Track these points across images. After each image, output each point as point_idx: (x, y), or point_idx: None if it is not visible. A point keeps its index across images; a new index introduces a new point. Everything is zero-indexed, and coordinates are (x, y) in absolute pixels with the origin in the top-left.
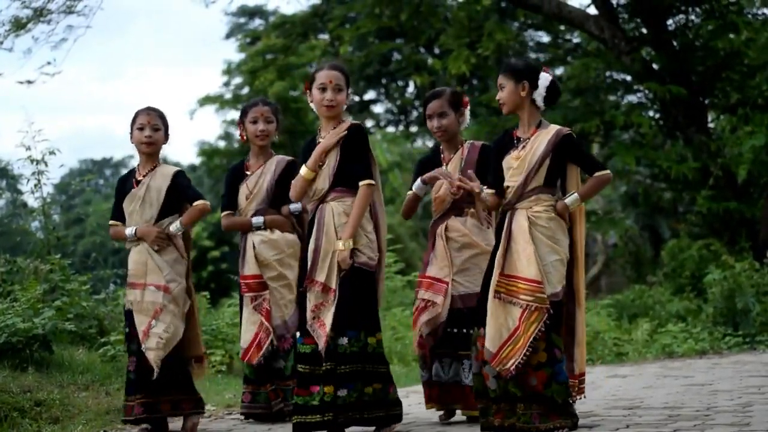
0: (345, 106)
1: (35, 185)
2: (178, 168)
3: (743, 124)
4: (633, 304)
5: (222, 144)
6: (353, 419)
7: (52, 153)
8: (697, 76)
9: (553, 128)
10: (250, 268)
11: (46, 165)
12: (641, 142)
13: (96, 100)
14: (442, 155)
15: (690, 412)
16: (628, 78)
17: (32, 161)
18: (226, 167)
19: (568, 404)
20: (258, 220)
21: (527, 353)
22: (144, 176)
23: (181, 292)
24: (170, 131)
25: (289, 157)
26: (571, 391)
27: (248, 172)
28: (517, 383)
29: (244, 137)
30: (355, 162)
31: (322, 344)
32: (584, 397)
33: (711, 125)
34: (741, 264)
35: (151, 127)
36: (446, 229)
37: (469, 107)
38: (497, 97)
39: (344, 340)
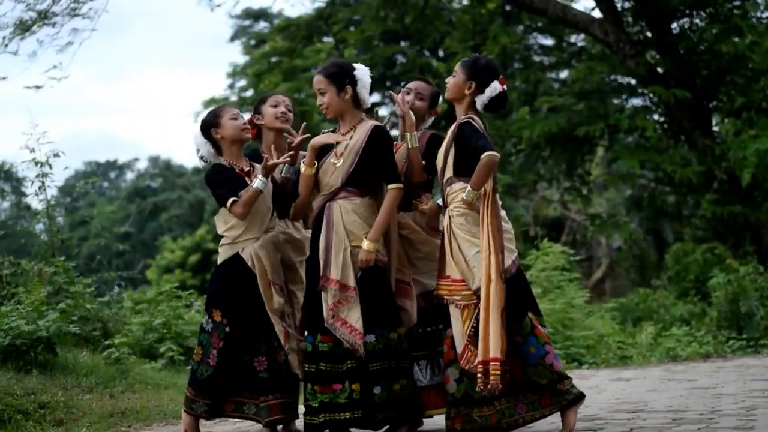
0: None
1: (39, 187)
2: None
3: (748, 128)
4: (637, 308)
5: None
6: (390, 417)
7: (56, 155)
8: (701, 80)
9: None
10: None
11: (51, 167)
12: (645, 145)
13: (97, 102)
14: (396, 142)
15: (694, 415)
16: (633, 81)
17: (36, 163)
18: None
19: (554, 385)
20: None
21: (473, 349)
22: (250, 169)
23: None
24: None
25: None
26: (556, 371)
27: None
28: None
29: (254, 129)
30: (378, 164)
31: (354, 342)
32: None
33: (715, 129)
34: (745, 268)
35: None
36: (399, 227)
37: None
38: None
39: (371, 338)
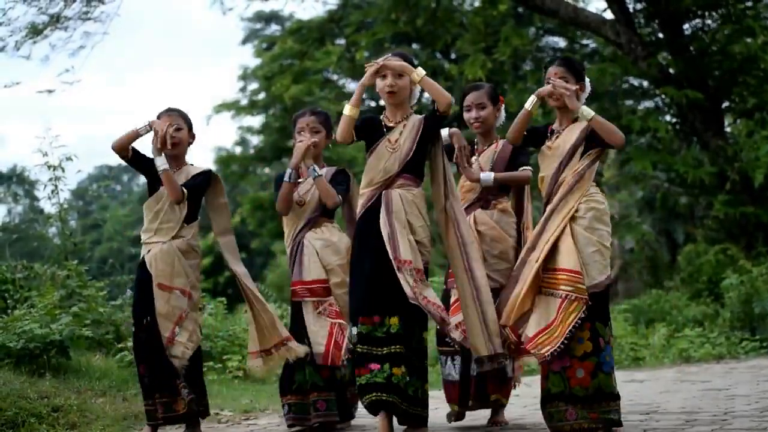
0: (414, 93)
1: (52, 191)
2: (206, 168)
3: (760, 129)
4: (650, 309)
5: (238, 150)
6: (417, 415)
7: (69, 159)
8: (713, 81)
9: (585, 122)
10: (313, 272)
11: (63, 171)
12: (658, 147)
13: (108, 106)
14: (476, 147)
15: (707, 416)
16: (645, 83)
17: (49, 167)
18: (242, 174)
19: (610, 394)
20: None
21: (564, 343)
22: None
23: (198, 299)
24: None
25: (336, 167)
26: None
27: (300, 180)
28: (563, 377)
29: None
30: (428, 150)
31: (441, 316)
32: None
33: (728, 130)
34: (758, 269)
35: (176, 127)
36: (474, 221)
37: (504, 104)
38: (559, 86)
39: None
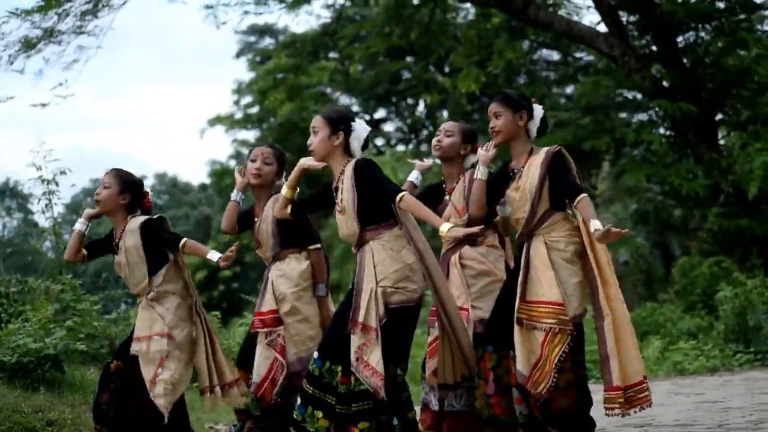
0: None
1: (46, 205)
2: (145, 217)
3: (754, 141)
4: (644, 322)
5: (233, 163)
6: None
7: (62, 173)
8: (707, 93)
9: (543, 150)
10: (267, 303)
11: (57, 184)
12: (652, 159)
13: (99, 119)
14: (444, 185)
15: (702, 429)
16: (639, 95)
17: (43, 181)
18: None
19: (589, 419)
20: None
21: (555, 376)
22: (119, 239)
23: (186, 337)
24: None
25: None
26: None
27: (255, 219)
28: (544, 408)
29: (243, 176)
30: (377, 192)
31: (375, 384)
32: (644, 407)
33: (721, 142)
34: (752, 281)
35: (103, 185)
36: (460, 257)
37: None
38: (492, 125)
39: (396, 368)
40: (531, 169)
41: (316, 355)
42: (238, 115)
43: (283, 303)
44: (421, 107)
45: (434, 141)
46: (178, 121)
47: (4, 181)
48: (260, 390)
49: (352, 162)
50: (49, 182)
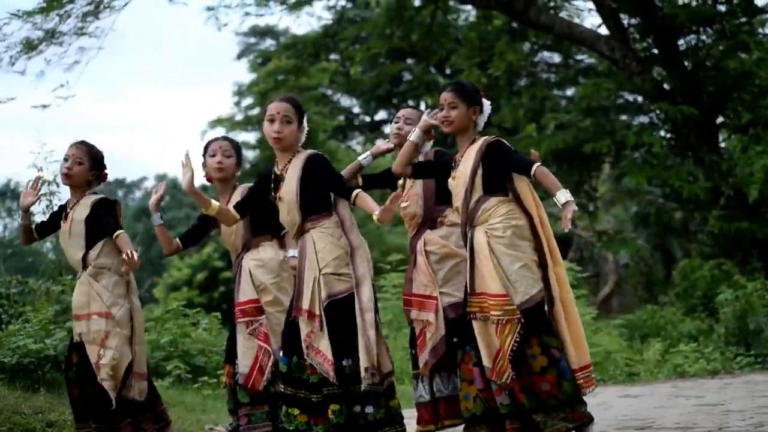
0: (301, 139)
1: (47, 206)
2: (100, 196)
3: (754, 144)
4: (644, 324)
5: None
6: None
7: None
8: (708, 96)
9: (480, 140)
10: (245, 293)
11: (58, 186)
12: (652, 162)
13: (100, 121)
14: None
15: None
16: (640, 98)
17: (43, 182)
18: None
19: (579, 397)
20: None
21: (511, 362)
22: (71, 209)
23: (125, 313)
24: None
25: (245, 185)
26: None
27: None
28: (530, 394)
29: (207, 174)
30: (325, 188)
31: (326, 370)
32: (593, 389)
33: (722, 145)
34: (753, 284)
35: (73, 160)
36: (424, 243)
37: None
38: (444, 115)
39: (348, 362)
40: (467, 157)
41: (280, 354)
42: (239, 117)
43: (265, 293)
44: (422, 108)
45: (394, 128)
46: (178, 122)
47: (4, 182)
48: (250, 380)
49: (304, 155)
50: (49, 183)
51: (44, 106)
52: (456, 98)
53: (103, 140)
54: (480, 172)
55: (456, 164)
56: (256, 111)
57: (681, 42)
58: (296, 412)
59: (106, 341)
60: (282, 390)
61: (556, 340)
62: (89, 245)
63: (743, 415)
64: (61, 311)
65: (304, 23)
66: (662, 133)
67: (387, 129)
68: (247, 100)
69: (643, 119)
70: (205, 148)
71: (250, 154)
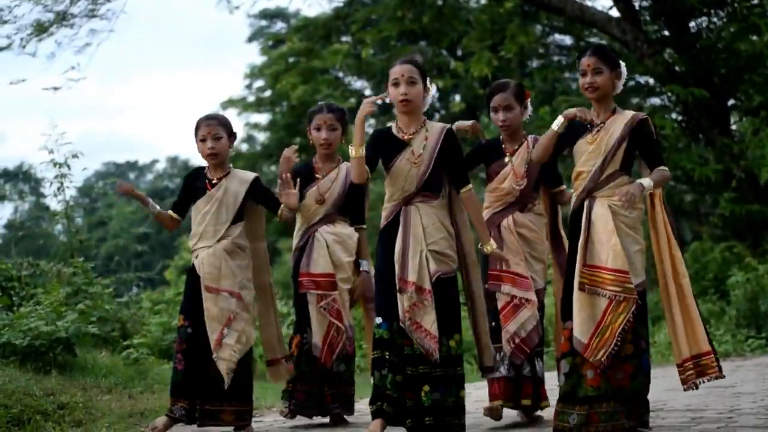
0: (426, 100)
1: (58, 188)
2: (256, 174)
3: (766, 127)
4: (657, 307)
5: (245, 147)
6: (454, 425)
7: (74, 156)
8: (719, 79)
9: (629, 113)
10: (321, 265)
11: (69, 168)
12: (664, 144)
13: (106, 102)
14: (503, 146)
15: (713, 414)
16: (651, 80)
17: (55, 164)
18: (250, 170)
19: (645, 399)
20: None
21: (618, 344)
22: (220, 179)
23: (251, 299)
24: (234, 133)
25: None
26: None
27: (318, 175)
28: (607, 378)
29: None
30: (452, 167)
31: (429, 347)
32: (711, 378)
33: (733, 127)
34: (764, 266)
35: (213, 138)
36: (514, 224)
37: (529, 99)
38: (589, 81)
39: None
40: (614, 126)
41: (379, 320)
42: (251, 99)
43: (341, 270)
44: (433, 91)
45: (498, 120)
46: (189, 105)
47: (17, 164)
48: (321, 356)
49: (442, 126)
50: (61, 166)
51: (55, 89)
52: (600, 63)
53: (115, 123)
54: (624, 146)
55: (594, 128)
56: (268, 93)
57: (692, 24)
58: (400, 378)
59: (232, 323)
60: (378, 354)
61: (646, 331)
62: (236, 220)
63: (754, 397)
64: (73, 293)
65: (315, 4)
66: (673, 115)
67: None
68: (259, 83)
69: (655, 101)
70: (310, 119)
71: (261, 136)
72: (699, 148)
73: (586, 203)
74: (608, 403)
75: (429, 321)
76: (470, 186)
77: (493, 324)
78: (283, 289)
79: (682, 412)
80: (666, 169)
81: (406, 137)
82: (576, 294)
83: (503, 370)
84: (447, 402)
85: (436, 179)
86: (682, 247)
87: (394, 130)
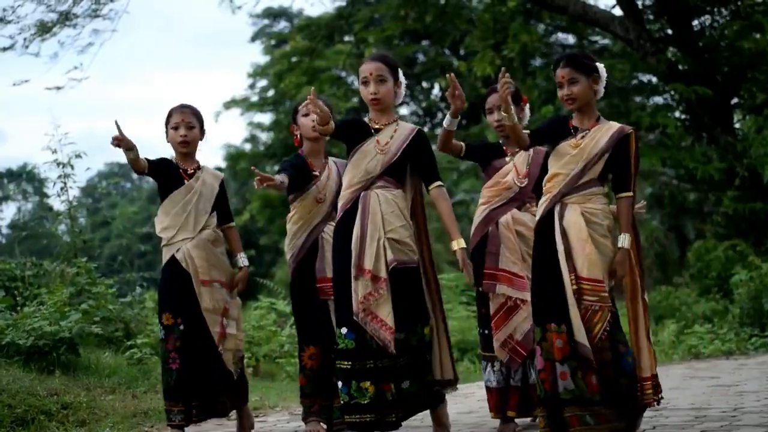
0: (400, 95)
1: (62, 188)
2: (223, 175)
3: None
4: (659, 306)
5: (248, 147)
6: (422, 404)
7: (78, 156)
8: (722, 77)
9: (615, 125)
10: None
11: (72, 168)
12: (667, 143)
13: (107, 102)
14: (504, 148)
15: (716, 413)
16: (654, 79)
17: (58, 164)
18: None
19: (642, 406)
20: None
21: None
22: (194, 171)
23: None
24: (205, 127)
25: (342, 160)
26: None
27: (315, 173)
28: (591, 382)
29: (298, 138)
30: (422, 163)
31: (384, 338)
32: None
33: (737, 126)
34: (767, 265)
35: (186, 126)
36: (513, 221)
37: (528, 104)
38: (566, 93)
39: (400, 335)
40: (599, 135)
41: (344, 330)
42: (254, 99)
43: None
44: (436, 90)
45: (494, 121)
46: (192, 104)
47: (20, 164)
48: None
49: (413, 126)
50: (64, 165)
51: (58, 88)
52: (574, 72)
53: (109, 121)
54: (605, 158)
55: (579, 132)
56: (271, 92)
57: (695, 22)
58: (367, 384)
59: (228, 312)
60: (346, 366)
61: (623, 335)
62: (212, 210)
63: (758, 396)
64: (76, 293)
65: (318, 4)
66: (676, 114)
67: (402, 110)
68: (262, 83)
69: (658, 100)
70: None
71: (264, 136)
72: (702, 147)
73: (557, 209)
74: (599, 407)
75: (385, 312)
76: (440, 183)
77: (486, 332)
78: (286, 288)
79: (685, 411)
80: (630, 195)
81: (376, 126)
82: (570, 302)
83: (493, 381)
84: (425, 385)
85: (400, 171)
86: (686, 246)
87: (366, 120)
